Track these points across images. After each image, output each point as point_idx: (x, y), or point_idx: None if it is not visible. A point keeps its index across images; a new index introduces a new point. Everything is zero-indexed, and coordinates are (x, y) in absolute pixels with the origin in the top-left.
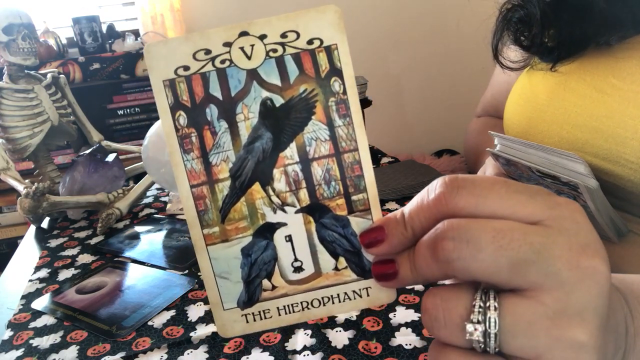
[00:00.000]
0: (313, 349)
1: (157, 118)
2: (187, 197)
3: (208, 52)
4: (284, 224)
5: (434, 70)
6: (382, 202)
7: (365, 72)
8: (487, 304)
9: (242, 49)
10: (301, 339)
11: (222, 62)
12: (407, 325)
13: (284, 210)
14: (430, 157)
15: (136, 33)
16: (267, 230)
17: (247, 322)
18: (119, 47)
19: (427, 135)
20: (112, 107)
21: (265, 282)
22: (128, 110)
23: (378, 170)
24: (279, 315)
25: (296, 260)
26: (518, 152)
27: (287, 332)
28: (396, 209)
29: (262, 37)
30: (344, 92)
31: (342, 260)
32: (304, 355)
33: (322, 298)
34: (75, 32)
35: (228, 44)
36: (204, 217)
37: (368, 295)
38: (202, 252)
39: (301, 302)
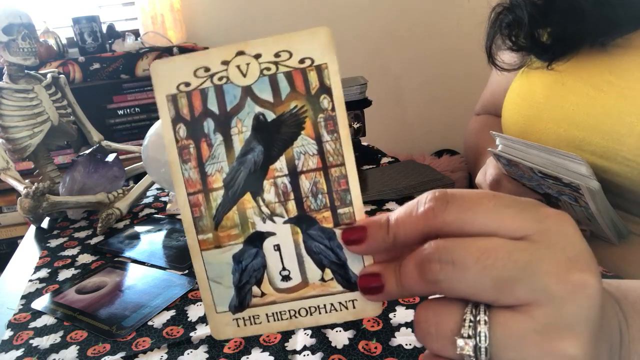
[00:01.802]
0: (313, 349)
1: (157, 118)
2: (184, 205)
3: (207, 69)
4: (273, 234)
5: (434, 70)
6: (382, 202)
7: (365, 72)
8: (478, 318)
9: (238, 67)
10: (301, 339)
11: (220, 79)
12: (407, 325)
13: (273, 220)
14: (430, 157)
15: (136, 33)
16: (257, 239)
17: (238, 326)
18: (119, 47)
19: (427, 135)
20: (112, 107)
21: (255, 289)
22: (128, 110)
23: (378, 170)
24: (268, 321)
25: (284, 269)
26: (520, 153)
27: (287, 332)
28: (396, 209)
29: (257, 56)
30: (333, 109)
31: (328, 271)
32: (304, 355)
33: (309, 307)
34: (75, 32)
35: (226, 62)
36: (199, 223)
37: (354, 307)
38: (197, 256)
39: (289, 311)
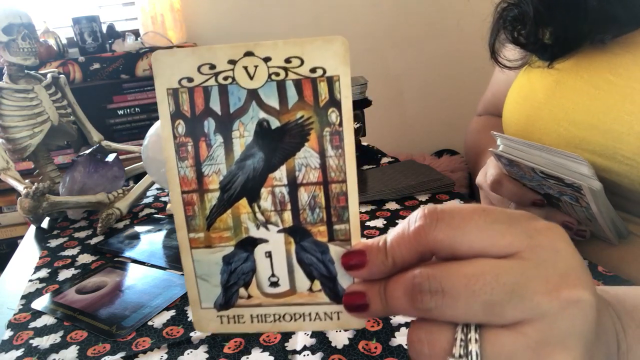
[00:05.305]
0: (313, 349)
1: (157, 118)
2: (178, 202)
3: (213, 67)
4: (266, 241)
5: (434, 70)
6: (382, 202)
7: (365, 72)
8: (469, 337)
9: (245, 68)
10: (301, 339)
11: (225, 78)
12: (407, 325)
13: (267, 228)
14: (430, 157)
15: (136, 33)
16: (249, 244)
17: (222, 322)
18: (119, 47)
19: (427, 135)
20: (112, 107)
21: (242, 291)
22: (128, 110)
23: (378, 170)
24: (252, 322)
25: (273, 275)
26: (521, 153)
27: (288, 332)
28: (396, 209)
29: (267, 60)
30: (340, 124)
31: (317, 282)
32: (304, 355)
33: (294, 314)
34: (75, 32)
35: (232, 62)
36: (191, 222)
37: (339, 319)
38: (186, 253)
39: (274, 314)
